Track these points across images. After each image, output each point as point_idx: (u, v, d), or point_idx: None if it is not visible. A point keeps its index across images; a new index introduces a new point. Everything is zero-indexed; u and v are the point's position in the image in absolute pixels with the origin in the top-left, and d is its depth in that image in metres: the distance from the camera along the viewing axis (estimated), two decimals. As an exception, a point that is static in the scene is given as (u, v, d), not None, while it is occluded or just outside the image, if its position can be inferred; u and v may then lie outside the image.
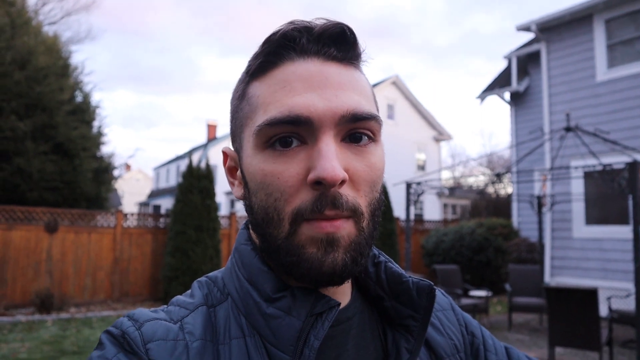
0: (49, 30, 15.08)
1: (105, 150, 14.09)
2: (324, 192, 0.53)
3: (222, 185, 24.84)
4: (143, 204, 36.24)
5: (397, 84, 23.67)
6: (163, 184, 35.85)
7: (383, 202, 0.60)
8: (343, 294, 0.63)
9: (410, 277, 0.65)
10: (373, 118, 0.56)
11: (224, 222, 11.21)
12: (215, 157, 22.90)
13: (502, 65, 13.06)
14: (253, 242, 0.63)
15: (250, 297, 0.59)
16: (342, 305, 0.62)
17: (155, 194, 35.70)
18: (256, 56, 0.58)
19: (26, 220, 9.16)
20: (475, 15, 70.98)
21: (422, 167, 24.50)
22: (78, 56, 40.79)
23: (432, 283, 0.63)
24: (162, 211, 29.40)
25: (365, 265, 0.61)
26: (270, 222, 0.56)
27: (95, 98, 20.29)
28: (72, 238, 9.49)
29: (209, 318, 0.59)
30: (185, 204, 9.79)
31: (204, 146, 29.88)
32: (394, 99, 23.35)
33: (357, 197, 0.55)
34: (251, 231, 0.64)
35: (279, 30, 0.57)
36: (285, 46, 0.56)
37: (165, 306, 0.62)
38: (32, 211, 9.30)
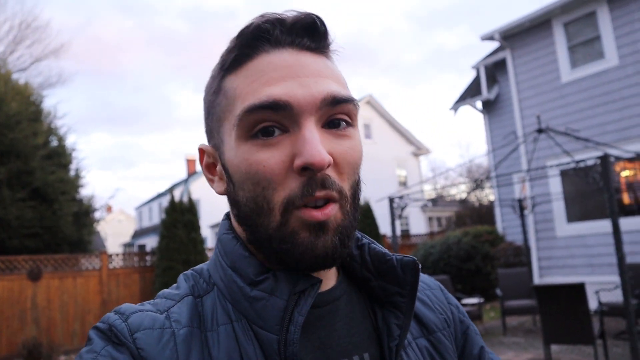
0: (19, 77, 15.00)
1: (84, 192, 13.89)
2: (312, 176, 0.54)
3: (206, 219, 24.61)
4: (127, 245, 35.66)
5: (371, 103, 23.94)
6: (146, 223, 35.39)
7: (361, 185, 0.63)
8: (329, 277, 0.64)
9: (394, 255, 0.66)
10: (351, 101, 0.58)
11: (211, 255, 11.08)
12: (197, 191, 22.66)
13: (471, 76, 13.33)
14: (234, 231, 0.64)
15: (235, 283, 0.60)
16: (328, 287, 0.64)
17: (139, 233, 35.21)
18: (230, 50, 0.59)
19: (7, 270, 8.95)
20: (438, 33, 72.69)
21: (403, 183, 24.65)
22: (50, 100, 40.31)
23: (416, 259, 0.64)
24: (148, 250, 28.96)
25: (351, 247, 0.63)
26: (261, 212, 0.56)
27: (70, 141, 20.09)
28: (56, 284, 9.28)
29: (195, 307, 0.60)
30: (171, 240, 9.67)
31: (185, 181, 29.71)
32: (369, 118, 23.59)
33: (341, 181, 0.57)
34: (233, 222, 0.65)
35: (252, 24, 0.58)
36: (259, 38, 0.57)
37: (152, 300, 0.63)
38: (13, 260, 9.10)
